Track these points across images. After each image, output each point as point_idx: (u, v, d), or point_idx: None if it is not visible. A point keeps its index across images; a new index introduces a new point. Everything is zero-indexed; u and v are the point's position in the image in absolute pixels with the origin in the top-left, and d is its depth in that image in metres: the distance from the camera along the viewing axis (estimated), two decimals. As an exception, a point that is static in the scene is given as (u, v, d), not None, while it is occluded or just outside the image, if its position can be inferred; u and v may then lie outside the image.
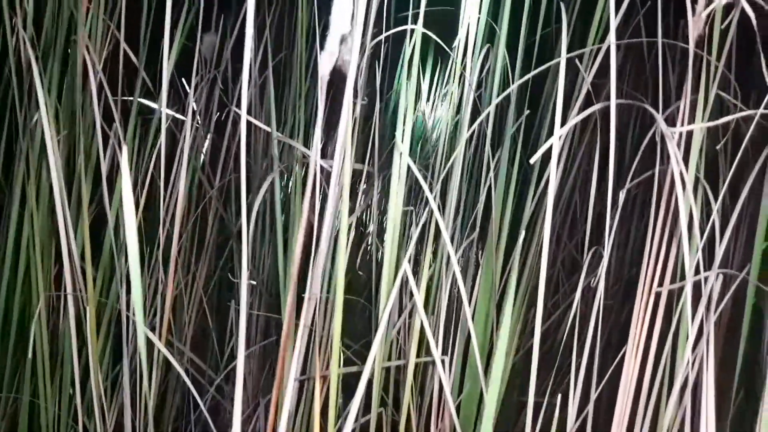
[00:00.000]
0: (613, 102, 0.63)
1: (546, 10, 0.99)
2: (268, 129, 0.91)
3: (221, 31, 1.17)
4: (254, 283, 1.11)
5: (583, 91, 0.89)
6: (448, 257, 0.83)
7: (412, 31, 0.89)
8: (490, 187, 0.93)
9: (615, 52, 0.62)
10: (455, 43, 1.06)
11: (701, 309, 0.59)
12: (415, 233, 0.69)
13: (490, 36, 1.00)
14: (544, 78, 1.03)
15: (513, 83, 0.97)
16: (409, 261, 0.62)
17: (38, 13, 0.98)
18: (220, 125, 1.30)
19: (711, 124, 0.60)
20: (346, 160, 0.64)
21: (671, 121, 0.75)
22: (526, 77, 0.82)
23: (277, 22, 1.38)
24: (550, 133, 0.91)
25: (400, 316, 0.86)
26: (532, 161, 0.70)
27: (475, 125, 0.85)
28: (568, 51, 0.72)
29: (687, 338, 0.58)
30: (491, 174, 0.92)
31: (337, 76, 0.64)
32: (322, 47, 0.59)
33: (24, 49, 0.93)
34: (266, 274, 1.23)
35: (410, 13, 1.21)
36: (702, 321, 0.59)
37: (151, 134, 0.97)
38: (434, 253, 0.84)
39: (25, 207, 0.92)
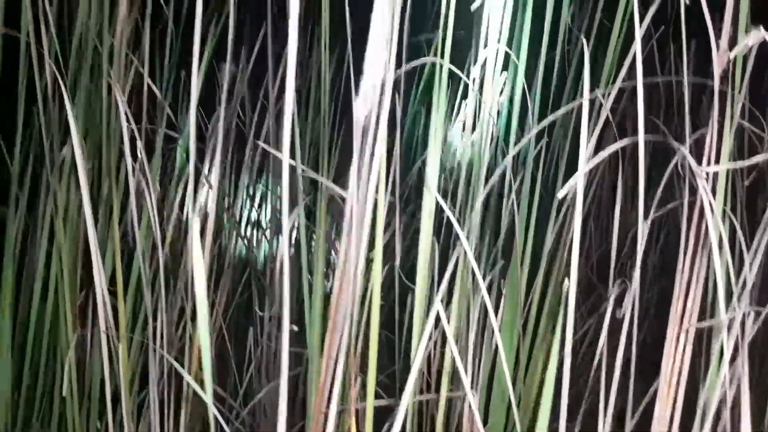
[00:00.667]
0: (641, 138, 0.64)
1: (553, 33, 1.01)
2: (293, 163, 0.92)
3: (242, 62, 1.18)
4: (296, 329, 1.12)
5: (602, 119, 0.91)
6: (474, 288, 0.84)
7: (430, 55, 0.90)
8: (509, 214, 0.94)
9: (642, 92, 0.63)
10: (474, 73, 1.08)
11: (730, 343, 0.60)
12: (446, 270, 0.70)
13: (505, 59, 1.02)
14: (560, 102, 1.04)
15: (531, 110, 0.99)
16: (442, 300, 0.63)
17: (63, 47, 1.00)
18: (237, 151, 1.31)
19: (742, 164, 0.62)
20: (380, 197, 0.66)
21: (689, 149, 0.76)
22: (545, 122, 0.83)
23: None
24: (571, 166, 0.92)
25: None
26: (559, 196, 0.71)
27: (496, 176, 0.86)
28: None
29: (718, 374, 0.59)
30: (513, 198, 0.93)
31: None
32: (356, 92, 0.60)
33: (51, 82, 0.95)
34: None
35: (424, 37, 1.23)
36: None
37: (177, 166, 0.98)
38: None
39: (53, 242, 0.93)
